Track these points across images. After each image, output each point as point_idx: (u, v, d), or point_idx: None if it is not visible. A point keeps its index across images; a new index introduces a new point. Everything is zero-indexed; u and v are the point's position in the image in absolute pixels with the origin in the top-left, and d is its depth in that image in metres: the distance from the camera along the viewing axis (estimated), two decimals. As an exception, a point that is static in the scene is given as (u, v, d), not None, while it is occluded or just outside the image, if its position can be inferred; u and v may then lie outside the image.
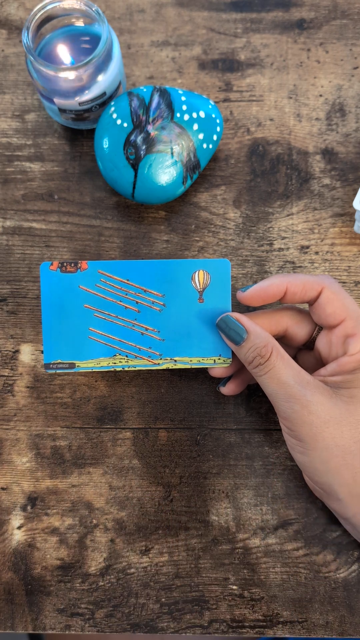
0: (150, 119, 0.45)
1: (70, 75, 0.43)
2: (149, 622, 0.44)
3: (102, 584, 0.44)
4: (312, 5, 0.52)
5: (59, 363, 0.41)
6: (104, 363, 0.41)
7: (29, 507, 0.45)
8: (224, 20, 0.52)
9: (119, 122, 0.45)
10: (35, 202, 0.50)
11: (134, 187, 0.46)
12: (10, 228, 0.49)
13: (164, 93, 0.46)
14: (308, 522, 0.45)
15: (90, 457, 0.46)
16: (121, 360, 0.41)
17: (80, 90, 0.45)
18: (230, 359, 0.41)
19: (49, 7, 0.44)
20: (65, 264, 0.41)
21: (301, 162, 0.50)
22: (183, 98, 0.46)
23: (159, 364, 0.41)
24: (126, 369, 0.41)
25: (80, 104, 0.46)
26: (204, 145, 0.46)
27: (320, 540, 0.44)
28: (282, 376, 0.37)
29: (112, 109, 0.46)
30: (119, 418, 0.46)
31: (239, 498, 0.45)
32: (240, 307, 0.47)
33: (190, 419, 0.46)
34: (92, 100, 0.46)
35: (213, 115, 0.47)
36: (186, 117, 0.45)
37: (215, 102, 0.51)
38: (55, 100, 0.45)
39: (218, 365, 0.41)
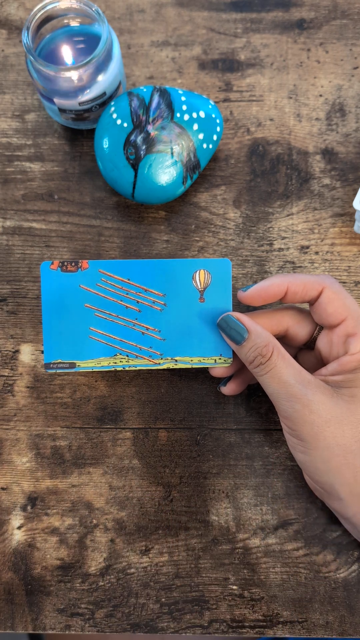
0: (150, 119, 0.45)
1: (71, 75, 0.43)
2: (149, 622, 0.44)
3: (102, 584, 0.44)
4: (312, 5, 0.52)
5: (60, 363, 0.41)
6: (105, 363, 0.41)
7: (29, 507, 0.45)
8: (224, 20, 0.52)
9: (119, 122, 0.45)
10: (35, 202, 0.50)
11: (134, 187, 0.46)
12: (10, 228, 0.49)
13: (164, 93, 0.46)
14: (308, 522, 0.45)
15: (90, 457, 0.46)
16: (122, 360, 0.41)
17: (80, 90, 0.45)
18: (231, 359, 0.41)
19: (49, 7, 0.44)
20: (65, 264, 0.41)
21: (301, 162, 0.50)
22: (183, 98, 0.46)
23: (159, 363, 0.41)
24: (127, 368, 0.41)
25: (80, 104, 0.46)
26: (204, 145, 0.46)
27: (320, 540, 0.44)
28: (283, 375, 0.37)
29: (112, 109, 0.46)
30: (119, 418, 0.46)
31: (239, 498, 0.45)
32: (241, 307, 0.47)
33: (190, 419, 0.46)
34: (92, 100, 0.46)
35: (213, 115, 0.47)
36: (186, 117, 0.45)
37: (215, 102, 0.51)
38: (55, 100, 0.45)
39: (219, 365, 0.41)
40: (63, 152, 0.51)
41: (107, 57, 0.44)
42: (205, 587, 0.44)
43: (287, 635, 0.43)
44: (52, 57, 0.46)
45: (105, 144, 0.46)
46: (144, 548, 0.45)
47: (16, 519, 0.45)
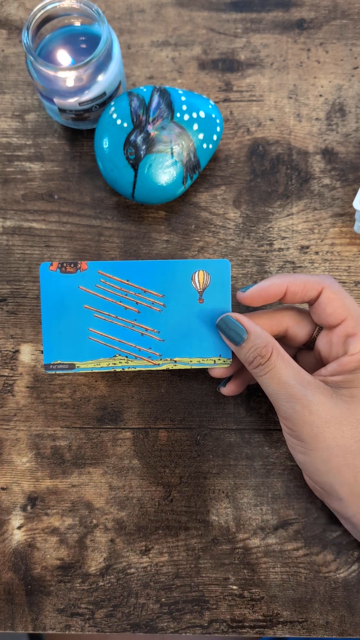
0: (150, 119, 0.45)
1: (70, 75, 0.43)
2: (149, 622, 0.44)
3: (102, 584, 0.44)
4: (312, 5, 0.52)
5: (59, 364, 0.41)
6: (104, 364, 0.41)
7: (29, 507, 0.45)
8: (224, 20, 0.52)
9: (119, 122, 0.45)
10: (35, 202, 0.50)
11: (134, 187, 0.46)
12: (10, 228, 0.49)
13: (164, 93, 0.46)
14: (308, 522, 0.45)
15: (90, 457, 0.46)
16: (121, 360, 0.41)
17: (80, 90, 0.45)
18: (230, 360, 0.41)
19: (49, 7, 0.44)
20: (65, 265, 0.41)
21: (301, 162, 0.50)
22: (183, 98, 0.46)
23: (158, 364, 0.41)
24: (126, 369, 0.41)
25: (80, 104, 0.46)
26: (204, 145, 0.46)
27: (320, 540, 0.44)
28: (282, 376, 0.37)
29: (112, 109, 0.46)
30: (119, 418, 0.46)
31: (239, 498, 0.45)
32: (240, 307, 0.47)
33: (190, 419, 0.46)
34: (92, 100, 0.46)
35: (213, 115, 0.47)
36: (186, 117, 0.45)
37: (215, 102, 0.51)
38: (55, 100, 0.45)
39: (218, 366, 0.41)
40: (63, 152, 0.51)
41: (107, 57, 0.44)
42: (205, 587, 0.44)
43: (287, 635, 0.43)
44: (52, 57, 0.46)
45: (105, 144, 0.46)
46: (144, 548, 0.45)
47: (16, 519, 0.45)
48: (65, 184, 0.50)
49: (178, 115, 0.45)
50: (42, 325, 0.41)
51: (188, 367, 0.41)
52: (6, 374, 0.47)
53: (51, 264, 0.40)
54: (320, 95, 0.51)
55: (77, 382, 0.47)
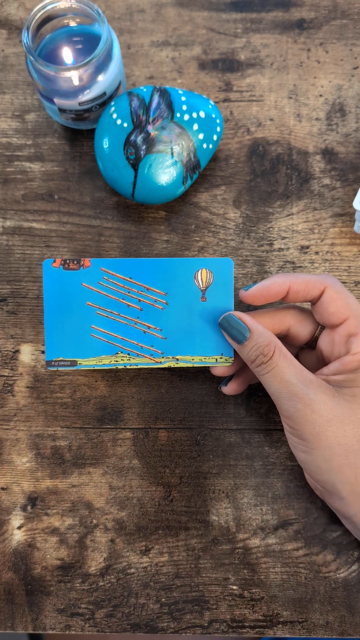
0: (150, 119, 0.45)
1: (71, 75, 0.43)
2: (149, 622, 0.43)
3: (102, 584, 0.44)
4: (312, 5, 0.52)
5: (61, 360, 0.41)
6: (106, 361, 0.41)
7: (29, 507, 0.45)
8: (224, 20, 0.52)
9: (119, 122, 0.45)
10: (35, 202, 0.50)
11: (134, 187, 0.46)
12: (10, 228, 0.49)
13: (164, 93, 0.46)
14: (308, 522, 0.45)
15: (90, 457, 0.46)
16: (123, 358, 0.41)
17: (80, 90, 0.45)
18: (232, 358, 0.41)
19: (49, 7, 0.44)
20: (68, 262, 0.41)
21: (301, 162, 0.50)
22: (183, 98, 0.46)
23: (160, 362, 0.41)
24: (128, 367, 0.41)
25: (80, 104, 0.46)
26: (204, 145, 0.46)
27: (320, 540, 0.44)
28: (284, 375, 0.37)
29: (112, 109, 0.46)
30: (119, 418, 0.46)
31: (239, 498, 0.45)
32: (242, 306, 0.47)
33: (190, 419, 0.46)
34: (92, 100, 0.46)
35: (213, 115, 0.47)
36: (186, 117, 0.45)
37: (215, 102, 0.51)
38: (55, 100, 0.45)
39: (220, 364, 0.41)
40: (63, 152, 0.51)
41: (107, 57, 0.44)
42: (205, 587, 0.44)
43: (287, 635, 0.43)
44: (52, 57, 0.46)
45: (105, 144, 0.46)
46: (144, 548, 0.45)
47: (16, 519, 0.45)
48: (65, 184, 0.50)
49: (178, 115, 0.45)
50: (44, 321, 0.41)
51: (190, 365, 0.41)
52: (6, 374, 0.47)
53: (54, 261, 0.40)
54: (320, 95, 0.51)
55: (77, 382, 0.47)
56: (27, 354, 0.47)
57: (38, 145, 0.51)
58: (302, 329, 0.41)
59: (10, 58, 0.52)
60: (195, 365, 0.41)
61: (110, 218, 0.49)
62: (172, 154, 0.45)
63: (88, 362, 0.41)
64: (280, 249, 0.48)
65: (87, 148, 0.51)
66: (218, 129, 0.47)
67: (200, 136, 0.46)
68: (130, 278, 0.41)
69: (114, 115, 0.46)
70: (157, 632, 0.44)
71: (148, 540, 0.45)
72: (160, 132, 0.45)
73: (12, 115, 0.51)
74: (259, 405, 0.46)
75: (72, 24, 0.47)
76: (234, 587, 0.44)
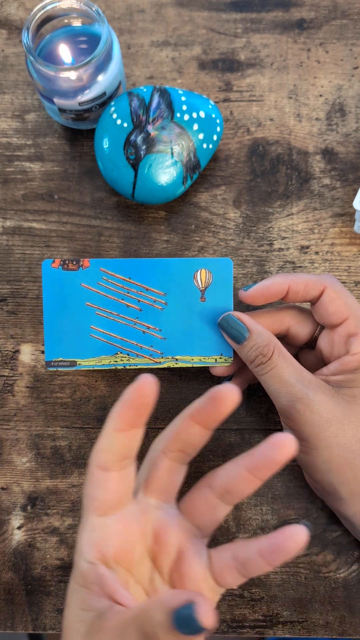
0: (150, 119, 0.45)
1: (70, 75, 0.43)
2: (149, 622, 0.43)
3: (102, 584, 0.44)
4: (312, 5, 0.52)
5: (60, 361, 0.41)
6: (106, 361, 0.41)
7: (29, 507, 0.45)
8: (224, 20, 0.52)
9: (119, 122, 0.45)
10: (35, 202, 0.50)
11: (134, 187, 0.46)
12: (10, 228, 0.49)
13: (164, 93, 0.46)
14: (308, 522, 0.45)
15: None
16: (122, 358, 0.41)
17: (80, 90, 0.45)
18: (232, 358, 0.41)
19: (49, 7, 0.44)
20: (67, 262, 0.41)
21: (301, 162, 0.50)
22: (183, 98, 0.46)
23: (160, 362, 0.41)
24: (127, 367, 0.41)
25: (80, 104, 0.46)
26: (204, 145, 0.46)
27: (320, 540, 0.44)
28: (284, 375, 0.37)
29: (112, 109, 0.46)
30: (119, 418, 0.46)
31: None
32: (242, 306, 0.47)
33: (191, 419, 0.46)
34: (92, 100, 0.46)
35: (213, 115, 0.47)
36: (186, 117, 0.45)
37: (215, 102, 0.51)
38: (55, 100, 0.45)
39: (219, 364, 0.41)
40: (63, 152, 0.51)
41: (107, 57, 0.44)
42: (205, 587, 0.44)
43: (287, 635, 0.43)
44: (52, 57, 0.46)
45: (105, 144, 0.46)
46: (144, 548, 0.45)
47: (16, 519, 0.45)
48: (65, 184, 0.50)
49: (178, 115, 0.45)
50: (43, 322, 0.41)
51: (189, 365, 0.41)
52: (6, 374, 0.47)
53: (53, 261, 0.40)
54: (320, 95, 0.51)
55: (77, 382, 0.47)
56: (27, 354, 0.47)
57: (38, 145, 0.51)
58: (301, 329, 0.41)
59: (10, 58, 0.52)
60: (194, 365, 0.41)
61: (110, 218, 0.49)
62: (172, 154, 0.45)
63: (87, 363, 0.41)
64: (280, 249, 0.48)
65: (87, 148, 0.51)
66: (218, 129, 0.47)
67: (200, 136, 0.46)
68: (130, 278, 0.41)
69: (114, 115, 0.46)
70: (157, 632, 0.44)
71: (148, 540, 0.45)
72: (160, 132, 0.45)
73: (12, 115, 0.51)
74: (259, 405, 0.46)
75: (72, 23, 0.47)
76: (234, 587, 0.44)
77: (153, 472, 0.35)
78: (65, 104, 0.46)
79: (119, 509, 0.34)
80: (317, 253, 0.48)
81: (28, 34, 0.43)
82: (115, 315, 0.41)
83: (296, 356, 0.44)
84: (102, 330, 0.41)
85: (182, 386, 0.47)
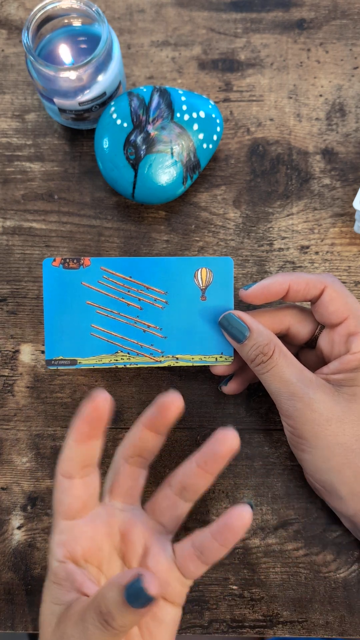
0: (150, 119, 0.45)
1: (70, 75, 0.43)
2: (149, 622, 0.43)
3: (102, 584, 0.44)
4: (312, 5, 0.52)
5: (61, 359, 0.41)
6: (106, 360, 0.41)
7: (29, 507, 0.45)
8: (224, 20, 0.52)
9: (119, 122, 0.45)
10: (35, 202, 0.50)
11: (134, 187, 0.46)
12: (10, 228, 0.49)
13: (164, 93, 0.46)
14: (308, 522, 0.45)
15: (90, 457, 0.46)
16: (123, 357, 0.41)
17: (80, 90, 0.45)
18: (232, 357, 0.41)
19: (49, 7, 0.44)
20: (67, 260, 0.41)
21: (301, 162, 0.50)
22: (183, 98, 0.46)
23: (160, 361, 0.41)
24: (128, 366, 0.41)
25: (80, 104, 0.46)
26: (204, 145, 0.46)
27: (320, 540, 0.44)
28: (284, 374, 0.37)
29: (112, 109, 0.46)
30: (119, 418, 0.46)
31: (239, 498, 0.45)
32: (242, 305, 0.47)
33: (190, 419, 0.46)
34: (92, 100, 0.46)
35: (213, 115, 0.47)
36: (186, 117, 0.45)
37: (215, 102, 0.51)
38: (55, 100, 0.45)
39: (220, 363, 0.41)
40: (63, 152, 0.51)
41: (107, 57, 0.44)
42: (205, 587, 0.44)
43: (287, 635, 0.43)
44: (52, 57, 0.46)
45: (105, 144, 0.46)
46: (144, 548, 0.45)
47: (16, 519, 0.45)
48: (65, 184, 0.50)
49: (178, 115, 0.45)
50: (44, 320, 0.41)
51: (190, 364, 0.41)
52: (6, 374, 0.47)
53: (54, 260, 0.40)
54: (320, 95, 0.51)
55: (77, 382, 0.47)
56: (27, 354, 0.47)
57: (38, 145, 0.51)
58: (301, 328, 0.41)
59: (10, 58, 0.52)
60: (195, 364, 0.41)
61: (110, 218, 0.49)
62: (172, 154, 0.45)
63: (88, 361, 0.41)
64: (280, 249, 0.48)
65: (87, 148, 0.51)
66: (218, 129, 0.47)
67: (200, 136, 0.46)
68: (130, 277, 0.41)
69: (114, 115, 0.46)
70: (157, 632, 0.44)
71: (148, 540, 0.45)
72: (160, 132, 0.45)
73: (12, 115, 0.51)
74: (259, 405, 0.46)
75: (72, 23, 0.47)
76: (234, 587, 0.44)
77: (116, 478, 0.38)
78: (65, 104, 0.46)
79: (86, 512, 0.37)
80: (317, 253, 0.48)
81: (28, 34, 0.43)
82: (115, 314, 0.41)
83: (296, 355, 0.44)
84: (102, 329, 0.41)
85: (182, 386, 0.47)
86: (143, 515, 0.38)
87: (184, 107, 0.46)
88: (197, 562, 0.35)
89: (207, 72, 0.52)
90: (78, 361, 0.41)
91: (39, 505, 0.45)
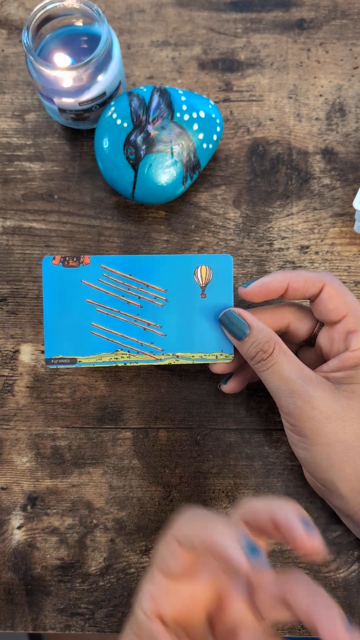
0: (150, 119, 0.45)
1: (70, 75, 0.43)
2: (149, 622, 0.43)
3: (102, 583, 0.44)
4: (312, 5, 0.52)
5: (61, 358, 0.41)
6: (106, 358, 0.41)
7: (29, 507, 0.45)
8: (224, 20, 0.52)
9: (119, 122, 0.45)
10: (35, 202, 0.50)
11: (134, 187, 0.46)
12: (10, 228, 0.49)
13: (164, 93, 0.46)
14: (308, 522, 0.44)
15: (90, 457, 0.46)
16: (123, 355, 0.41)
17: (80, 90, 0.45)
18: (232, 355, 0.41)
19: (49, 7, 0.44)
20: (67, 259, 0.41)
21: (301, 162, 0.50)
22: (183, 98, 0.46)
23: (161, 359, 0.41)
24: (128, 364, 0.41)
25: (80, 104, 0.46)
26: (204, 145, 0.46)
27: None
28: (284, 371, 0.37)
29: (112, 109, 0.46)
30: (119, 418, 0.46)
31: (239, 498, 0.45)
32: (242, 304, 0.47)
33: (190, 419, 0.46)
34: (92, 100, 0.46)
35: (213, 115, 0.47)
36: (186, 117, 0.45)
37: (215, 102, 0.51)
38: (55, 100, 0.45)
39: (220, 361, 0.41)
40: (63, 152, 0.51)
41: (107, 57, 0.44)
42: (205, 587, 0.44)
43: (287, 635, 0.43)
44: (52, 57, 0.46)
45: (105, 144, 0.46)
46: (144, 548, 0.45)
47: (16, 519, 0.45)
48: (65, 184, 0.50)
49: (178, 115, 0.45)
50: (44, 319, 0.41)
51: (190, 362, 0.41)
52: (6, 374, 0.47)
53: (54, 258, 0.40)
54: (320, 95, 0.51)
55: (77, 382, 0.47)
56: (27, 354, 0.47)
57: (38, 145, 0.51)
58: (301, 326, 0.41)
59: (10, 58, 0.52)
60: (195, 362, 0.41)
61: (110, 218, 0.49)
62: (172, 153, 0.45)
63: (88, 360, 0.41)
64: (280, 249, 0.48)
65: (87, 148, 0.51)
66: (218, 129, 0.47)
67: (200, 136, 0.46)
68: (130, 275, 0.41)
69: (114, 115, 0.46)
70: (157, 632, 0.44)
71: (148, 540, 0.45)
72: (160, 132, 0.45)
73: (12, 115, 0.51)
74: (259, 405, 0.46)
75: (73, 23, 0.47)
76: None
77: None
78: (65, 104, 0.46)
79: (189, 580, 0.33)
80: (317, 253, 0.48)
81: (28, 34, 0.43)
82: (115, 312, 0.41)
83: (296, 354, 0.44)
84: (102, 327, 0.41)
85: (182, 386, 0.47)
86: (246, 585, 0.33)
87: (184, 107, 0.46)
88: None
89: (207, 72, 0.52)
90: (78, 360, 0.41)
91: (39, 505, 0.45)
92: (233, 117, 0.51)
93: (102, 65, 0.44)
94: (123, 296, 0.41)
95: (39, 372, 0.47)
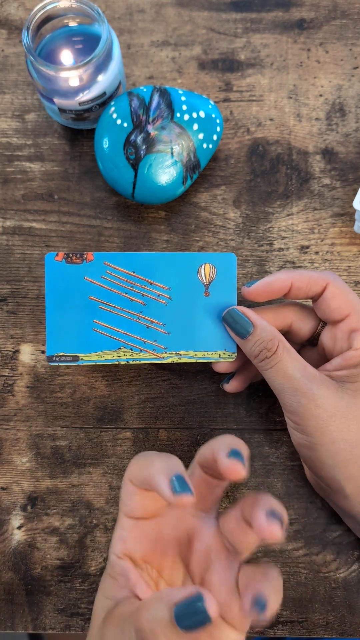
0: (150, 119, 0.45)
1: (70, 75, 0.43)
2: (149, 622, 0.43)
3: (102, 584, 0.44)
4: (312, 5, 0.52)
5: (62, 356, 0.41)
6: (108, 356, 0.41)
7: (29, 507, 0.45)
8: (224, 20, 0.52)
9: (119, 122, 0.45)
10: (35, 202, 0.50)
11: (134, 187, 0.46)
12: (10, 228, 0.49)
13: (164, 93, 0.46)
14: (308, 522, 0.45)
15: (90, 457, 0.46)
16: (125, 353, 0.41)
17: (80, 90, 0.45)
18: (235, 354, 0.41)
19: (49, 7, 0.44)
20: (70, 255, 0.40)
21: (301, 162, 0.50)
22: (183, 98, 0.46)
23: (163, 357, 0.41)
24: (130, 362, 0.41)
25: (80, 104, 0.46)
26: (204, 145, 0.46)
27: (320, 540, 0.44)
28: (288, 370, 0.37)
29: (112, 109, 0.46)
30: (119, 418, 0.46)
31: (239, 498, 0.45)
32: (245, 303, 0.47)
33: (190, 419, 0.46)
34: (92, 100, 0.46)
35: (213, 115, 0.47)
36: (186, 117, 0.45)
37: (215, 102, 0.51)
38: (55, 100, 0.45)
39: (223, 360, 0.41)
40: (63, 152, 0.51)
41: (107, 57, 0.44)
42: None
43: (287, 635, 0.43)
44: (52, 57, 0.46)
45: (105, 144, 0.46)
46: (144, 548, 0.45)
47: (16, 519, 0.45)
48: (65, 184, 0.50)
49: (178, 115, 0.45)
50: (46, 316, 0.41)
51: (193, 360, 0.41)
52: (6, 374, 0.47)
53: (57, 254, 0.40)
54: (320, 95, 0.51)
55: (77, 382, 0.47)
56: (27, 354, 0.47)
57: (38, 145, 0.51)
58: (304, 325, 0.41)
59: (10, 58, 0.52)
60: (198, 360, 0.41)
61: (110, 218, 0.49)
62: (172, 153, 0.45)
63: (90, 358, 0.41)
64: (280, 249, 0.48)
65: (87, 148, 0.51)
66: (218, 129, 0.47)
67: (200, 136, 0.46)
68: (134, 272, 0.41)
69: (114, 115, 0.46)
70: (157, 632, 0.43)
71: (148, 540, 0.45)
72: (160, 132, 0.45)
73: (12, 115, 0.51)
74: (259, 405, 0.46)
75: (72, 24, 0.47)
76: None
77: (191, 481, 0.34)
78: (65, 104, 0.46)
79: (152, 517, 0.35)
80: (317, 253, 0.48)
81: (28, 34, 0.43)
82: (118, 310, 0.41)
83: (299, 353, 0.44)
84: (105, 325, 0.41)
85: (182, 386, 0.47)
86: (215, 526, 0.35)
87: (184, 107, 0.46)
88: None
89: (207, 72, 0.52)
90: (80, 357, 0.41)
91: (39, 505, 0.45)
92: (233, 117, 0.51)
93: (102, 65, 0.44)
94: (126, 293, 0.41)
95: (39, 372, 0.47)
